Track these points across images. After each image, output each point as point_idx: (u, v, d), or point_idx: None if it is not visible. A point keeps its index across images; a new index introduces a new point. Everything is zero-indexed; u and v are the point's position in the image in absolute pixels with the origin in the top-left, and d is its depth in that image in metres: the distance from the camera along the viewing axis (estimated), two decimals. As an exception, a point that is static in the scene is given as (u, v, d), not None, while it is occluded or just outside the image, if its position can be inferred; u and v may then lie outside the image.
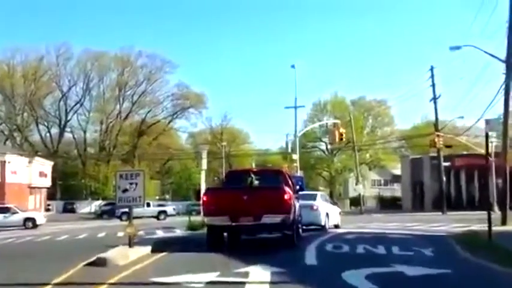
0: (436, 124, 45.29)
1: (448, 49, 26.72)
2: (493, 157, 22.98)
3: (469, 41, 27.40)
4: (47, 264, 11.67)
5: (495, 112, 27.98)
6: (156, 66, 77.25)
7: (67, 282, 9.01)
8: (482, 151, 44.62)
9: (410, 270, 9.22)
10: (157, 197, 67.78)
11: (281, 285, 8.32)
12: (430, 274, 9.13)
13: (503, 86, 23.42)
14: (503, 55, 23.73)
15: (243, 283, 8.32)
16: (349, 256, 12.07)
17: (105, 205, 56.11)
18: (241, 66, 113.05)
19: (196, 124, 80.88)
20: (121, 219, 39.50)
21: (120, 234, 20.58)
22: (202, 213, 15.94)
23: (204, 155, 27.51)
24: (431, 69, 44.47)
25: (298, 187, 16.74)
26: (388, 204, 60.44)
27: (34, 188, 55.57)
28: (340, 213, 25.19)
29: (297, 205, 14.88)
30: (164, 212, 48.94)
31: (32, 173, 54.67)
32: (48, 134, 78.28)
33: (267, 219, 12.81)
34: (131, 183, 13.24)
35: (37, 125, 77.45)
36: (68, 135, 78.99)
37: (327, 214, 21.32)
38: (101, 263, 10.77)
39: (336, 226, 22.78)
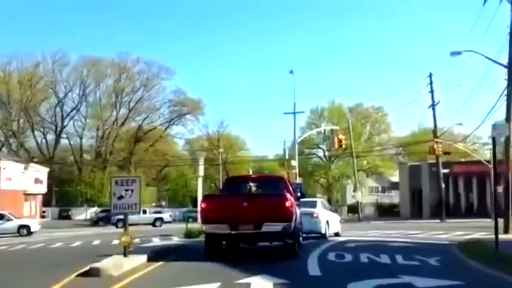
0: (434, 131, 45.14)
1: (449, 54, 26.51)
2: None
3: (467, 47, 27.03)
4: (38, 274, 11.19)
5: (494, 119, 27.71)
6: (153, 72, 76.95)
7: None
8: (481, 158, 44.97)
9: (420, 282, 8.70)
10: (153, 204, 67.38)
11: (285, 298, 7.91)
12: (441, 286, 8.66)
13: (505, 92, 23.19)
14: (503, 61, 23.54)
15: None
16: (353, 266, 11.64)
17: (100, 212, 55.76)
18: (238, 73, 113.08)
19: (193, 131, 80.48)
20: (117, 226, 39.11)
21: (116, 242, 20.07)
22: (200, 221, 15.48)
23: (202, 161, 27.41)
24: (430, 75, 44.43)
25: (299, 194, 16.31)
26: (386, 212, 60.24)
27: (29, 194, 54.96)
28: (340, 221, 24.78)
29: (298, 212, 14.46)
30: (160, 219, 48.58)
31: (27, 179, 54.06)
32: (44, 140, 77.80)
33: (268, 227, 12.35)
34: (127, 190, 12.82)
35: (33, 131, 76.85)
36: (64, 141, 78.61)
37: (327, 222, 20.95)
38: (94, 273, 10.29)
39: (337, 234, 22.31)
